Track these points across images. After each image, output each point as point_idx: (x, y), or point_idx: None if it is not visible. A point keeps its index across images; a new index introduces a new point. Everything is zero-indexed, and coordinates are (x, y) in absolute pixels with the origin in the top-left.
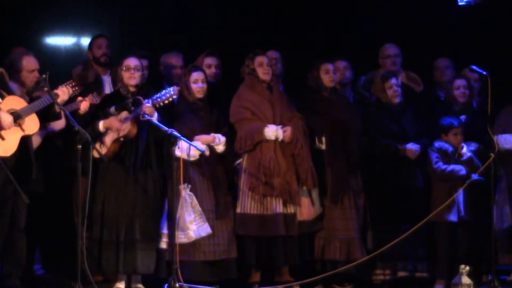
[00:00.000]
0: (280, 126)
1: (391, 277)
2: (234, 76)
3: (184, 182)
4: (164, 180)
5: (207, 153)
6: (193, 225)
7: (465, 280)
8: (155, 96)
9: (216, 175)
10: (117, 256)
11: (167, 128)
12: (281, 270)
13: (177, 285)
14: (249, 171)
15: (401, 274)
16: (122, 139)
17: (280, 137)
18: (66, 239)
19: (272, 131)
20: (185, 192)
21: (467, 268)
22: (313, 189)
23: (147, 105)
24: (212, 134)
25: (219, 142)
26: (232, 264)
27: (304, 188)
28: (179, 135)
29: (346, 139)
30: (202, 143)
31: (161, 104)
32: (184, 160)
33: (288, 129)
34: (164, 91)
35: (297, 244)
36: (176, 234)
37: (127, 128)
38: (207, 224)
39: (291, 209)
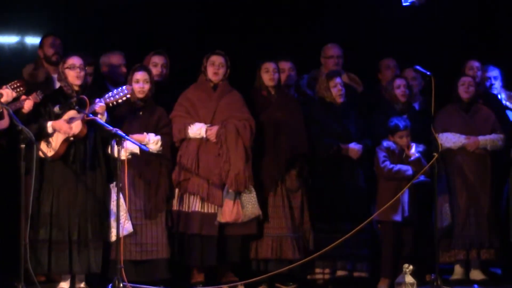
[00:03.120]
0: (208, 125)
1: (330, 276)
2: (187, 76)
3: (120, 181)
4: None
5: (138, 152)
6: (116, 223)
7: (409, 279)
8: (107, 95)
9: (148, 175)
10: (70, 256)
11: (111, 128)
12: (225, 270)
13: (121, 285)
14: (176, 167)
15: (340, 273)
16: (71, 138)
17: (204, 135)
18: (10, 239)
19: (196, 129)
20: (113, 190)
21: (411, 267)
22: (246, 192)
23: (100, 104)
24: (144, 134)
25: (149, 141)
26: (161, 265)
27: (230, 190)
28: (124, 135)
29: (276, 138)
30: None
31: (114, 103)
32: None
33: (213, 128)
34: (116, 90)
35: (214, 244)
36: (112, 233)
37: (77, 128)
38: (130, 223)
39: (210, 209)
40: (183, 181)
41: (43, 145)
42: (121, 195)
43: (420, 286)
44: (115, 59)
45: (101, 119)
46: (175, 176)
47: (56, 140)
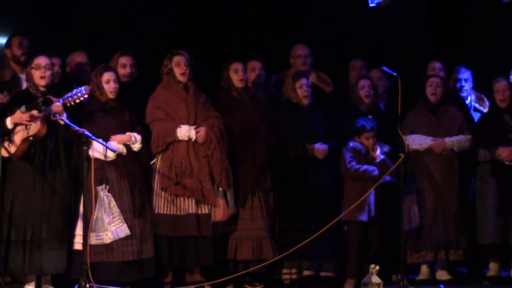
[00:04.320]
0: (193, 126)
1: (297, 276)
2: (153, 76)
3: (102, 183)
4: (77, 181)
5: (124, 152)
6: (111, 226)
7: (375, 279)
8: (66, 95)
9: (133, 174)
10: (23, 256)
11: (78, 128)
12: (192, 270)
13: (88, 285)
14: (162, 171)
15: (307, 273)
16: (31, 138)
17: (193, 137)
18: None
19: (185, 132)
20: (103, 193)
21: (377, 267)
22: (229, 190)
23: (57, 104)
24: (128, 133)
25: (135, 140)
26: (148, 264)
27: (220, 189)
28: (91, 135)
29: (254, 140)
30: (118, 143)
31: (72, 103)
32: (101, 161)
33: (202, 129)
34: (75, 90)
35: (211, 244)
36: (91, 235)
37: (36, 127)
38: (125, 225)
39: (204, 210)
40: (175, 184)
41: (6, 145)
42: (111, 197)
43: (386, 286)
44: (79, 58)
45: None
46: (165, 180)
47: (17, 139)
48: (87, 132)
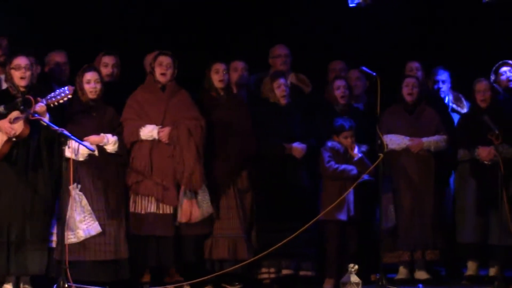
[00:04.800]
0: (160, 126)
1: (276, 275)
2: (139, 76)
3: (74, 182)
4: (54, 180)
5: (96, 153)
6: (82, 224)
7: (354, 278)
8: (49, 95)
9: (107, 175)
10: (7, 257)
11: (57, 128)
12: (170, 271)
13: (66, 285)
14: (128, 170)
15: (285, 272)
16: (14, 139)
17: (156, 137)
18: None
19: (148, 131)
20: (75, 192)
21: (356, 266)
22: (201, 191)
23: (40, 105)
24: (101, 134)
25: (108, 142)
26: (122, 265)
27: (187, 190)
28: (70, 135)
29: (228, 140)
30: (91, 143)
31: (56, 103)
32: (74, 160)
33: (166, 129)
34: (58, 90)
35: (171, 245)
36: (65, 234)
37: (20, 128)
38: (97, 223)
39: (166, 210)
40: (136, 183)
41: None
42: (83, 196)
43: (365, 286)
44: (59, 57)
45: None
46: (129, 178)
47: (0, 141)
48: (66, 132)
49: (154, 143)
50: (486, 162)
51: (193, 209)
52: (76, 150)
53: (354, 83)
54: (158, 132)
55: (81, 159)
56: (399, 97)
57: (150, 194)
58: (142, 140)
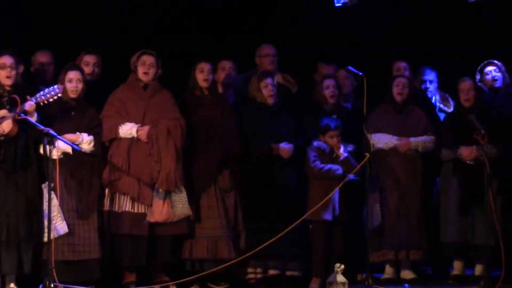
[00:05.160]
0: (139, 125)
1: (262, 275)
2: (122, 76)
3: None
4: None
5: (71, 151)
6: (51, 223)
7: (340, 278)
8: (39, 94)
9: (80, 175)
10: None
11: (43, 127)
12: (155, 271)
13: (52, 285)
14: (106, 167)
15: (272, 272)
16: (2, 138)
17: (135, 135)
18: None
19: (127, 129)
20: (46, 190)
21: (342, 266)
22: (177, 191)
23: (30, 103)
24: (77, 133)
25: (82, 141)
26: (93, 265)
27: (160, 189)
28: (56, 134)
29: (209, 139)
30: None
31: (45, 102)
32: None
33: (144, 128)
34: (48, 89)
35: (145, 244)
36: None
37: (8, 127)
38: (64, 223)
39: (140, 209)
40: (114, 181)
41: None
42: (54, 195)
43: (352, 285)
44: (44, 57)
45: (31, 118)
46: (106, 176)
47: None
48: (52, 131)
49: (133, 141)
50: (468, 162)
51: (163, 209)
52: (49, 150)
53: (342, 82)
54: (137, 130)
55: (54, 157)
56: (389, 96)
57: (126, 192)
58: (121, 138)
